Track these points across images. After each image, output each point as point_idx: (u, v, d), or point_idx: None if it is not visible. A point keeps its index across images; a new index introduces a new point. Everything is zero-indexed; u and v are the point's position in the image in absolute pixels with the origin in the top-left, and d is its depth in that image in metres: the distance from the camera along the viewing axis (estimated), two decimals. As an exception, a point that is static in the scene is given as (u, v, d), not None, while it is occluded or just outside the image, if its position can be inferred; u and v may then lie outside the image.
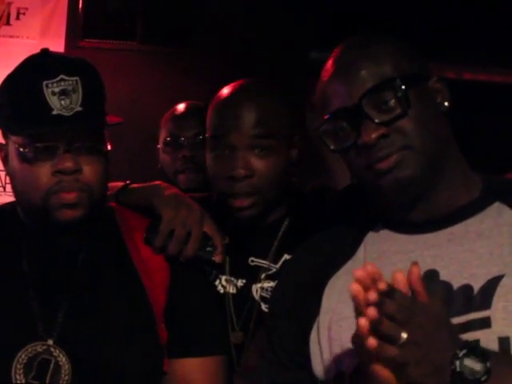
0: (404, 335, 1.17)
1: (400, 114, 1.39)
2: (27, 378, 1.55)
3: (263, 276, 1.90)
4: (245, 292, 1.90)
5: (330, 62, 1.47)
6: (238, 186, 1.82)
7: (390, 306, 1.17)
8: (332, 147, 1.45)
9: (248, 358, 1.60)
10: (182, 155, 2.68)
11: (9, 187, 4.05)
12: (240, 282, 1.91)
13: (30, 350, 1.56)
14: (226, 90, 1.89)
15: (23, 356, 1.56)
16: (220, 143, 1.85)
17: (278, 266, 1.90)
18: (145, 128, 3.91)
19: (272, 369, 1.52)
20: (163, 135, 2.77)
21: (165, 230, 1.72)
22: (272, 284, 1.88)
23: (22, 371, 1.55)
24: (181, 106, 2.81)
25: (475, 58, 4.72)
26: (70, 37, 4.10)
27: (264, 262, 1.91)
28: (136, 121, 3.85)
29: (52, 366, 1.56)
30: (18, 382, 1.54)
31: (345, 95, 1.41)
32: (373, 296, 1.16)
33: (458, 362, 1.18)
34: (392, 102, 1.40)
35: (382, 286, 1.17)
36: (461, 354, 1.18)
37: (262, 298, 1.89)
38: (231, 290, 1.91)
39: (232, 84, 1.91)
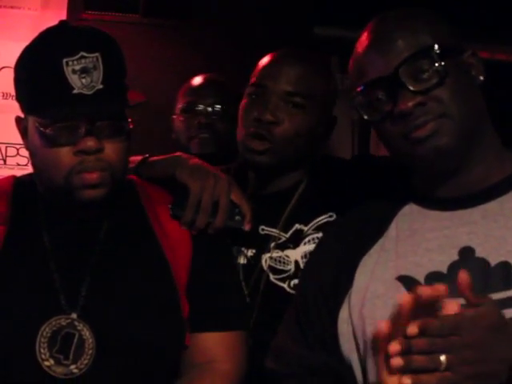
0: (443, 358, 1.16)
1: (437, 82, 1.38)
2: (51, 351, 1.54)
3: (272, 245, 1.90)
4: (254, 262, 1.90)
5: (364, 35, 1.47)
6: (261, 127, 1.88)
7: (421, 341, 1.17)
8: (367, 118, 1.44)
9: (278, 339, 1.58)
10: (198, 121, 2.68)
11: (9, 160, 4.01)
12: (250, 252, 1.92)
13: (53, 323, 1.55)
14: (275, 52, 2.00)
15: (47, 329, 1.54)
16: (258, 90, 1.93)
17: (287, 235, 1.90)
18: (147, 100, 3.88)
19: (301, 351, 1.51)
20: (180, 103, 2.78)
21: (194, 202, 1.70)
22: (281, 254, 1.89)
23: (46, 345, 1.54)
24: (200, 77, 2.83)
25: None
26: (72, 9, 4.03)
27: (274, 230, 1.91)
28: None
29: (76, 339, 1.55)
30: (43, 355, 1.53)
31: (381, 65, 1.41)
32: (413, 330, 1.16)
33: None
34: (429, 71, 1.39)
35: (413, 330, 1.17)
36: None
37: (271, 269, 1.89)
38: (242, 260, 1.92)
39: (281, 48, 2.02)
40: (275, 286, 1.87)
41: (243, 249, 1.92)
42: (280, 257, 1.89)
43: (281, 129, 1.88)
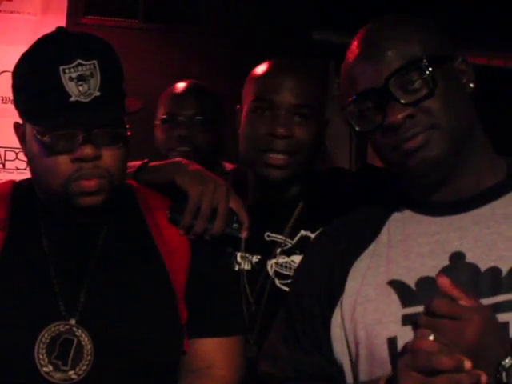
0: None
1: (426, 94, 1.39)
2: (50, 357, 1.54)
3: (278, 251, 1.91)
4: (259, 267, 1.91)
5: (355, 43, 1.46)
6: (277, 142, 1.88)
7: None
8: (357, 129, 1.45)
9: (271, 342, 1.59)
10: (178, 134, 2.60)
11: (8, 164, 4.03)
12: (255, 258, 1.92)
13: (52, 329, 1.56)
14: (270, 62, 1.99)
15: (46, 335, 1.55)
16: (263, 104, 1.91)
17: (293, 241, 1.92)
18: (146, 106, 3.89)
19: (294, 355, 1.52)
20: (161, 112, 2.69)
21: (193, 207, 1.70)
22: (287, 259, 1.90)
23: (44, 351, 1.55)
24: (181, 84, 2.73)
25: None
26: (72, 13, 4.05)
27: (280, 236, 1.92)
28: (137, 98, 3.82)
29: (74, 345, 1.55)
30: (41, 361, 1.54)
31: (371, 76, 1.41)
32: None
33: (504, 373, 1.18)
34: (418, 83, 1.39)
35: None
36: (507, 365, 1.18)
37: (277, 274, 1.90)
38: (246, 266, 1.92)
39: (275, 59, 2.01)
40: (281, 291, 1.88)
41: (247, 255, 1.92)
42: (286, 262, 1.90)
43: (295, 142, 1.88)
